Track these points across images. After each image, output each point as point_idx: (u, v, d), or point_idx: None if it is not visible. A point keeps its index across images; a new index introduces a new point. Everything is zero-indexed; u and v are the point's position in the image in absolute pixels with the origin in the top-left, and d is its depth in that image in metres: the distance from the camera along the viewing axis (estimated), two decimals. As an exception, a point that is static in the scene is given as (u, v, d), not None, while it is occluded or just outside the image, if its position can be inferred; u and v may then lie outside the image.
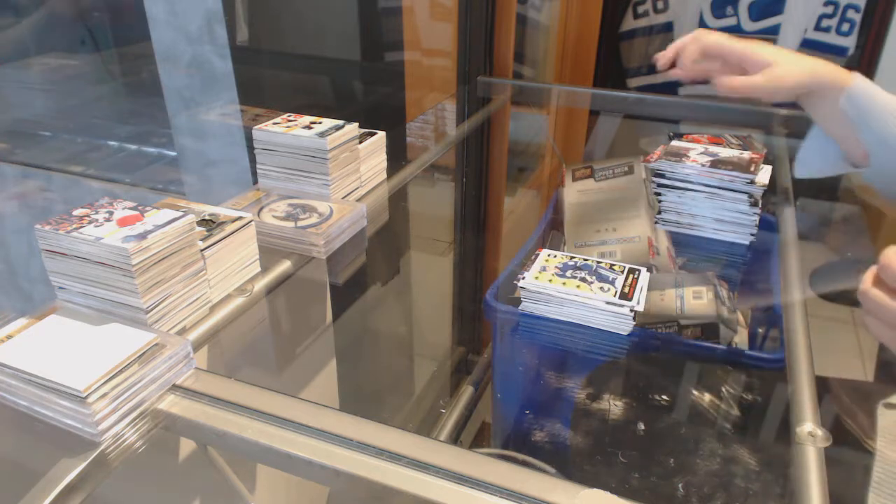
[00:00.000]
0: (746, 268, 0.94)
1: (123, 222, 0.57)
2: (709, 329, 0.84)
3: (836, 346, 1.99)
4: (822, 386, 0.62)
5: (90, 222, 0.56)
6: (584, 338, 0.76)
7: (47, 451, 0.49)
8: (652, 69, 2.45)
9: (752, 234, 0.91)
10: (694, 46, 0.81)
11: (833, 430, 0.52)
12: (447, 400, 1.44)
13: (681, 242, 0.98)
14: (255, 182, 0.85)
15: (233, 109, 1.07)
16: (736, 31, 2.27)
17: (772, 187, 0.91)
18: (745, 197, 0.89)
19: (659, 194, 0.94)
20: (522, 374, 0.93)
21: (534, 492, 0.43)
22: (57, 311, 0.57)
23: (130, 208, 0.59)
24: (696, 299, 0.89)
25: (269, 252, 0.72)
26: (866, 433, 0.69)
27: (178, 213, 0.58)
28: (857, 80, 0.77)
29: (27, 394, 0.50)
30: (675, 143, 0.99)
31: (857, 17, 2.13)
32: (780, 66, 0.78)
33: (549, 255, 0.81)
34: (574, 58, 1.95)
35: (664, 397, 0.84)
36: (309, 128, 0.82)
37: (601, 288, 0.75)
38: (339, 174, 0.82)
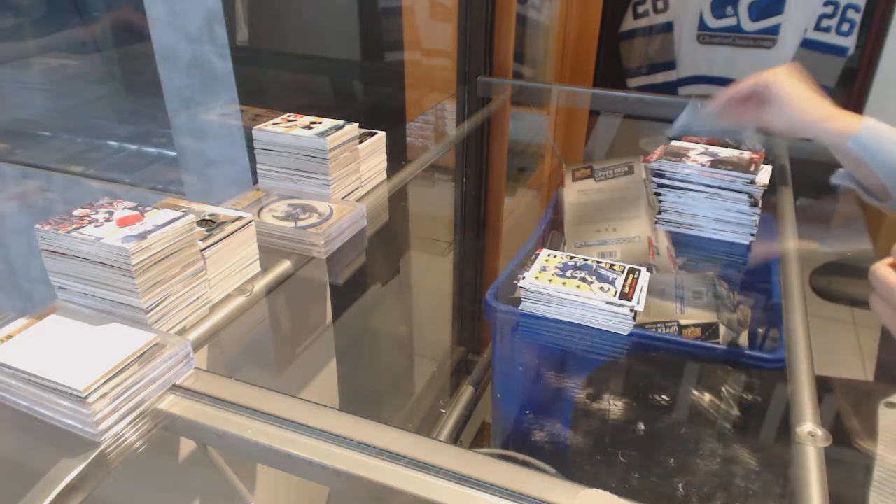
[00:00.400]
0: (746, 268, 0.94)
1: (123, 222, 0.57)
2: (709, 329, 0.84)
3: (836, 346, 1.99)
4: (822, 386, 0.62)
5: (90, 222, 0.56)
6: (584, 338, 0.76)
7: (47, 451, 0.49)
8: (652, 69, 2.45)
9: (752, 234, 0.91)
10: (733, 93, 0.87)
11: (833, 430, 0.52)
12: (447, 400, 1.44)
13: (681, 242, 0.98)
14: (255, 182, 0.85)
15: (233, 109, 1.08)
16: (736, 30, 2.27)
17: (772, 187, 0.91)
18: (745, 197, 0.89)
19: (659, 194, 0.94)
20: (522, 374, 0.93)
21: (534, 492, 0.43)
22: (57, 311, 0.57)
23: (130, 208, 0.59)
24: (696, 299, 0.89)
25: (269, 252, 0.72)
26: (866, 433, 0.69)
27: (178, 213, 0.58)
28: (865, 123, 0.76)
29: (27, 394, 0.50)
30: (675, 143, 0.99)
31: (857, 17, 2.13)
32: (772, 110, 0.82)
33: (549, 255, 0.81)
34: (574, 58, 1.95)
35: (664, 397, 0.84)
36: (309, 128, 0.82)
37: (601, 288, 0.75)
38: (339, 174, 0.82)
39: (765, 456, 0.76)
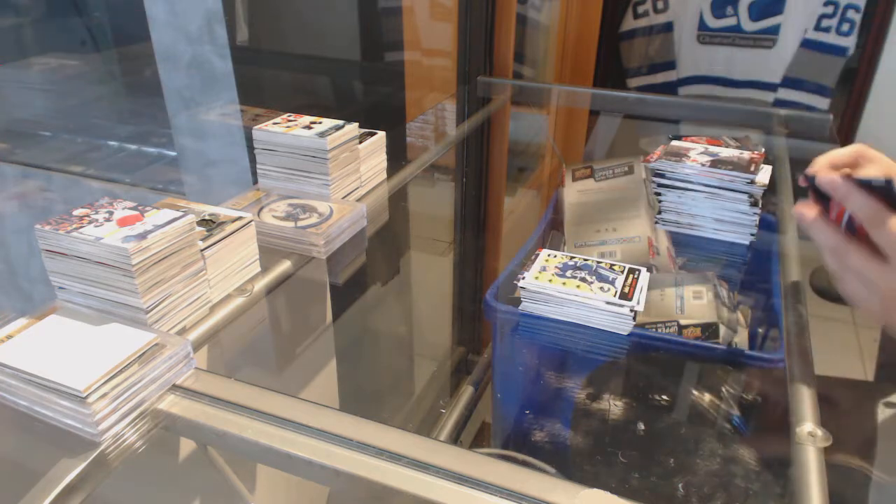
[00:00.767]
0: (746, 268, 0.94)
1: (123, 222, 0.57)
2: (709, 329, 0.84)
3: (836, 346, 1.98)
4: (823, 386, 0.62)
5: (90, 222, 0.56)
6: (584, 338, 0.76)
7: (47, 451, 0.49)
8: (652, 69, 2.46)
9: (752, 234, 0.91)
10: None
11: (833, 430, 0.52)
12: (447, 400, 1.44)
13: (681, 242, 0.98)
14: (255, 182, 0.85)
15: (233, 109, 1.08)
16: (736, 30, 2.27)
17: (772, 187, 0.91)
18: (745, 197, 0.89)
19: (659, 194, 0.94)
20: (522, 374, 0.93)
21: (534, 492, 0.43)
22: (57, 311, 0.57)
23: (130, 208, 0.59)
24: (696, 299, 0.89)
25: (269, 252, 0.72)
26: (866, 433, 0.69)
27: (178, 213, 0.58)
28: None
29: (27, 394, 0.50)
30: (674, 143, 0.99)
31: (857, 17, 2.12)
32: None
33: (549, 255, 0.81)
34: (574, 58, 1.95)
35: (664, 397, 0.84)
36: (309, 128, 0.82)
37: (601, 288, 0.75)
38: (339, 174, 0.82)
39: (765, 456, 0.76)
